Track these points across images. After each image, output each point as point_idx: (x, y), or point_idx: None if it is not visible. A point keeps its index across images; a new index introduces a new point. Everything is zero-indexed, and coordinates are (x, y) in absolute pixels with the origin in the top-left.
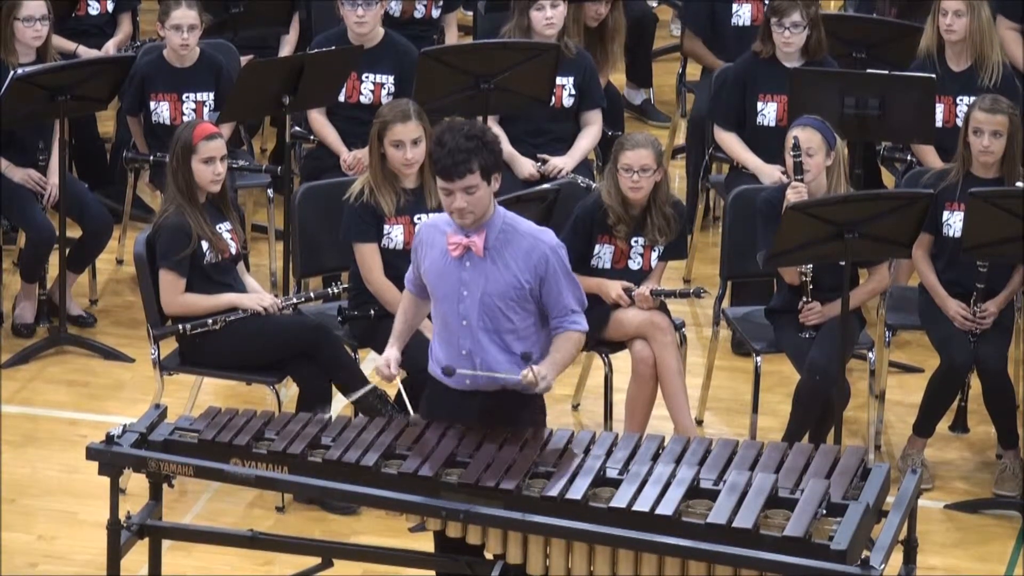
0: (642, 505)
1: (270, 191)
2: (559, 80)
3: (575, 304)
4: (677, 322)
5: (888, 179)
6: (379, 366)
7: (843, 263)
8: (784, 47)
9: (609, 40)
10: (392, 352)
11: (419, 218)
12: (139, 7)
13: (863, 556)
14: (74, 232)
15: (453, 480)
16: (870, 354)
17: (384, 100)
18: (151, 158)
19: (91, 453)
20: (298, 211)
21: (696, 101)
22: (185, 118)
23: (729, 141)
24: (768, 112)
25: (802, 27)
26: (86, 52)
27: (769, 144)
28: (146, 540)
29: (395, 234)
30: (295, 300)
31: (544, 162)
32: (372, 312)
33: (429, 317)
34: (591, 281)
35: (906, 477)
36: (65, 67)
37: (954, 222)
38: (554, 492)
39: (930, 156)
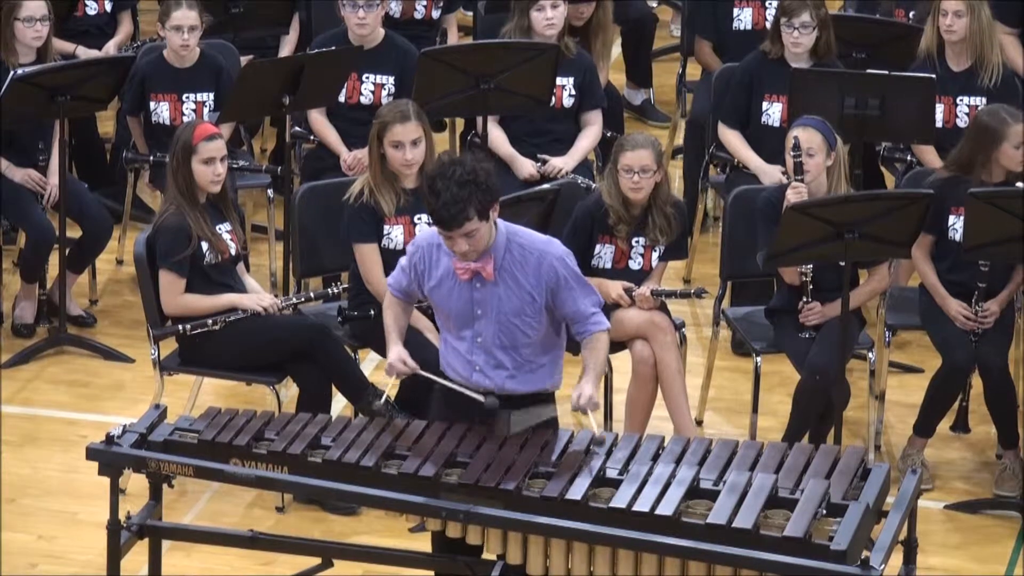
0: (642, 505)
1: (270, 191)
2: (559, 80)
3: (592, 307)
4: (677, 322)
5: (889, 180)
6: (393, 363)
7: (843, 263)
8: (793, 48)
9: (594, 38)
10: (401, 349)
11: (419, 218)
12: (138, 7)
13: (863, 556)
14: (74, 232)
15: (453, 480)
16: (870, 354)
17: (384, 101)
18: (151, 158)
19: (91, 453)
20: (298, 211)
21: (695, 101)
22: (185, 118)
23: (732, 139)
24: (773, 112)
25: (811, 28)
26: (85, 53)
27: (772, 144)
28: (146, 540)
29: (395, 234)
30: (295, 300)
31: (544, 162)
32: (372, 312)
33: (434, 322)
34: (592, 281)
35: (906, 477)
36: (65, 67)
37: (960, 226)
38: (554, 492)
39: (930, 156)
